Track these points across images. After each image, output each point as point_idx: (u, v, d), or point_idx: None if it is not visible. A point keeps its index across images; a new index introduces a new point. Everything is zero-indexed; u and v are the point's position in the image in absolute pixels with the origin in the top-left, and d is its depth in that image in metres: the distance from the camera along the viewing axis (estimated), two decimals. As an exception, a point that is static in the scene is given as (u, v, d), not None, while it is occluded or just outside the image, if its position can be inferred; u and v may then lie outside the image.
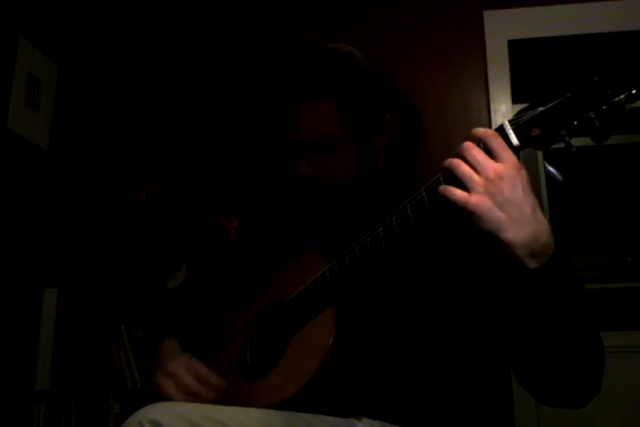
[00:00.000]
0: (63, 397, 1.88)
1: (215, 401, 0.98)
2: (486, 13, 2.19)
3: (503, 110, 2.09)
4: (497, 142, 0.75)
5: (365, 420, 0.96)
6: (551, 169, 2.15)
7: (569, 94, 0.71)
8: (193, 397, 0.98)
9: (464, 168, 0.76)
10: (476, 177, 0.75)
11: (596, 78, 0.69)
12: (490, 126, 2.05)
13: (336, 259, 0.95)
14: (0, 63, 1.96)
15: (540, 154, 2.11)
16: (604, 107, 0.68)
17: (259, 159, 2.20)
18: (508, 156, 0.75)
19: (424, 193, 0.83)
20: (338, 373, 0.93)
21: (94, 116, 2.31)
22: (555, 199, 2.10)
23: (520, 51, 2.18)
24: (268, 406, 0.91)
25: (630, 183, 2.12)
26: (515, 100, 2.11)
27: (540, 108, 0.74)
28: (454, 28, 2.21)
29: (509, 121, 0.77)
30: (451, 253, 1.01)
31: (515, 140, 0.76)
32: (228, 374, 1.07)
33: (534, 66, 2.20)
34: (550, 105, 0.73)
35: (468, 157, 0.76)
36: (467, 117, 2.14)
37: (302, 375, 0.92)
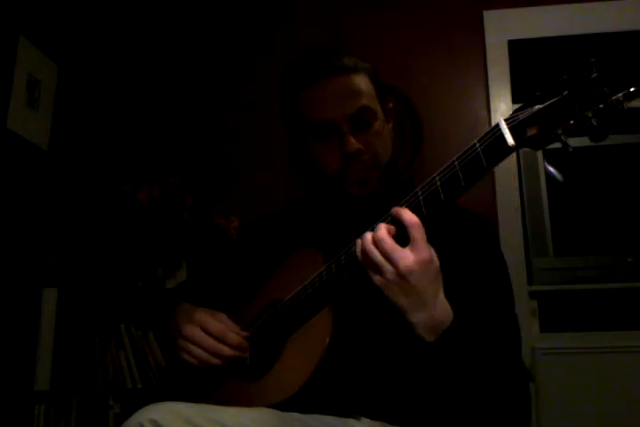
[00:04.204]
0: (63, 397, 1.88)
1: (215, 402, 0.98)
2: (486, 13, 2.19)
3: (503, 110, 2.09)
4: (418, 234, 0.81)
5: (365, 420, 0.96)
6: (551, 169, 2.15)
7: (566, 92, 0.70)
8: (220, 340, 1.02)
9: (378, 259, 0.82)
10: (388, 267, 0.82)
11: (594, 76, 0.68)
12: (490, 126, 2.05)
13: (333, 259, 0.95)
14: (0, 63, 1.96)
15: (540, 154, 2.11)
16: (601, 106, 0.67)
17: (259, 159, 2.20)
18: (423, 249, 0.81)
19: (420, 193, 0.84)
20: (336, 372, 0.93)
21: (94, 116, 2.32)
22: (555, 199, 2.10)
23: (520, 51, 2.18)
24: (268, 407, 0.91)
25: (630, 183, 2.12)
26: (515, 100, 2.11)
27: (537, 107, 0.73)
28: (454, 28, 2.21)
29: (505, 120, 0.76)
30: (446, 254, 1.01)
31: (510, 141, 0.74)
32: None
33: (534, 66, 2.20)
34: (547, 103, 0.71)
35: (382, 249, 0.82)
36: (467, 117, 2.14)
37: (300, 376, 0.92)
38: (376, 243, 0.83)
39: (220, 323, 1.04)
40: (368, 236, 0.85)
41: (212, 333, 1.03)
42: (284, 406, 0.91)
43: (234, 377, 1.06)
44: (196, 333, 1.03)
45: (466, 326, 0.86)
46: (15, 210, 2.01)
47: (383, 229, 0.84)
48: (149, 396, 1.33)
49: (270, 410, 0.89)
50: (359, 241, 0.86)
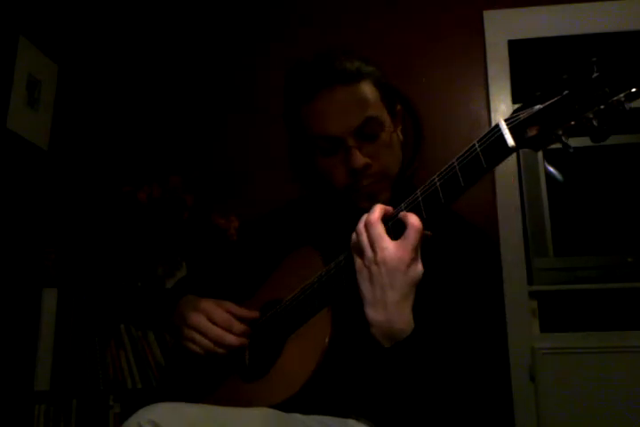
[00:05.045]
0: (63, 397, 1.88)
1: (214, 402, 0.98)
2: (486, 13, 2.19)
3: (503, 110, 2.09)
4: (413, 235, 0.81)
5: (364, 420, 0.96)
6: (551, 169, 2.15)
7: (566, 92, 0.69)
8: (226, 329, 1.02)
9: (364, 241, 0.84)
10: (368, 251, 0.83)
11: (595, 75, 0.66)
12: (490, 126, 2.05)
13: (333, 260, 0.94)
14: (0, 63, 1.96)
15: (540, 154, 2.11)
16: (602, 106, 0.66)
17: (259, 159, 2.20)
18: (408, 250, 0.81)
19: (419, 195, 0.84)
20: (335, 373, 0.93)
21: (94, 116, 2.31)
22: (555, 199, 2.10)
23: (520, 51, 2.18)
24: (267, 407, 0.90)
25: (630, 183, 2.12)
26: (515, 100, 2.11)
27: (537, 107, 0.72)
28: (454, 28, 2.21)
29: (505, 120, 0.75)
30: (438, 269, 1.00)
31: (510, 141, 0.74)
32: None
33: (534, 66, 2.20)
34: (547, 104, 0.71)
35: (370, 233, 0.83)
36: (467, 117, 2.14)
37: (300, 376, 0.92)
38: (367, 226, 0.84)
39: (225, 313, 1.04)
40: (363, 217, 0.86)
41: (217, 322, 1.03)
42: (283, 406, 0.91)
43: (233, 377, 1.06)
44: (202, 321, 1.03)
45: (428, 343, 0.85)
46: (15, 210, 2.01)
47: (377, 213, 0.84)
48: (149, 396, 1.33)
49: (271, 410, 0.89)
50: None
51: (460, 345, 0.93)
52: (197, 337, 1.03)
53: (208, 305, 1.05)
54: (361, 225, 0.85)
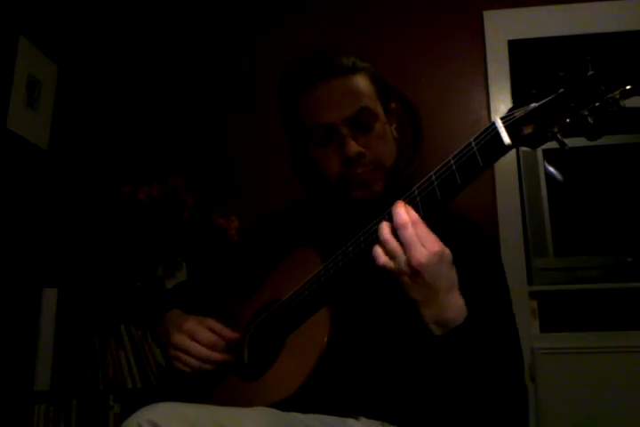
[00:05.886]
0: (63, 397, 1.88)
1: (213, 401, 0.98)
2: (486, 13, 2.20)
3: (503, 110, 2.08)
4: (421, 230, 0.80)
5: (364, 419, 0.96)
6: (551, 169, 2.15)
7: (562, 90, 0.69)
8: (210, 348, 1.02)
9: (396, 248, 0.81)
10: (402, 258, 0.80)
11: (590, 73, 0.67)
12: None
13: (330, 259, 0.94)
14: (0, 63, 1.96)
15: (540, 154, 2.11)
16: (597, 104, 0.66)
17: (259, 159, 2.20)
18: (432, 242, 0.80)
19: (417, 193, 0.84)
20: (334, 371, 0.93)
21: (94, 116, 2.32)
22: (555, 199, 2.10)
23: (520, 51, 2.18)
24: (266, 406, 0.91)
25: (630, 183, 2.12)
26: (515, 101, 2.11)
27: (533, 105, 0.72)
28: (454, 29, 2.21)
29: (501, 118, 0.76)
30: None
31: (506, 139, 0.74)
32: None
33: (534, 66, 2.20)
34: (542, 102, 0.71)
35: (401, 237, 0.80)
36: (467, 117, 2.14)
37: (299, 375, 0.92)
38: (400, 228, 0.81)
39: (208, 332, 1.05)
40: (383, 226, 0.83)
41: (200, 341, 1.04)
42: (282, 405, 0.91)
43: (232, 377, 1.07)
44: (186, 342, 1.04)
45: (474, 326, 0.85)
46: (15, 210, 2.01)
47: (405, 215, 0.81)
48: (149, 396, 1.33)
49: (270, 410, 0.89)
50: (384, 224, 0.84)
51: (494, 329, 0.92)
52: (183, 356, 1.04)
53: (191, 325, 1.06)
54: (386, 232, 0.83)
